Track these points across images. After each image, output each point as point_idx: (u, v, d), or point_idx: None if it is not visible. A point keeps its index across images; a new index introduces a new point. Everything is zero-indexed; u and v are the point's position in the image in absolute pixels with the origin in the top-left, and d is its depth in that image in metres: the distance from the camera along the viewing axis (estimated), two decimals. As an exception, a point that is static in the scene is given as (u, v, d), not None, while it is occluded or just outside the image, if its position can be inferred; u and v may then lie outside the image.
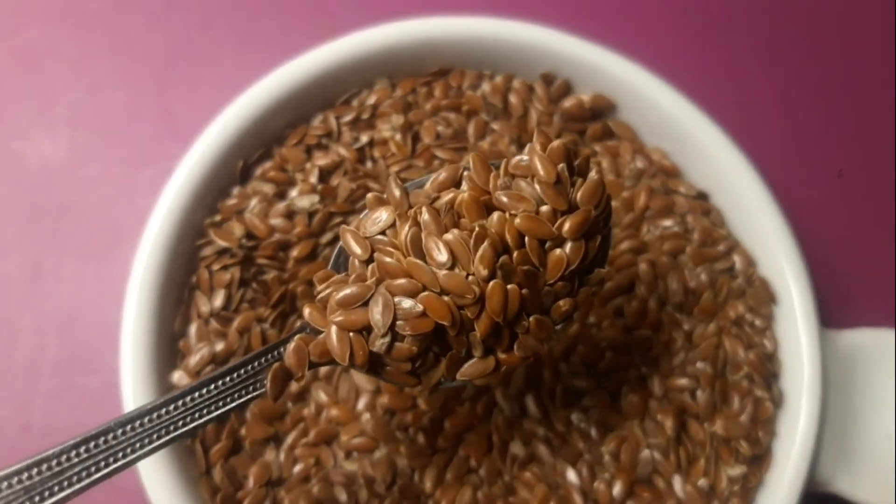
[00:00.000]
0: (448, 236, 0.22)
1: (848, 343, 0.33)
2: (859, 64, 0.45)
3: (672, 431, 0.31)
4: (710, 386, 0.31)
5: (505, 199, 0.23)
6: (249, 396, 0.24)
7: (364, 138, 0.34)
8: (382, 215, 0.23)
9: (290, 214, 0.32)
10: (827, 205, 0.42)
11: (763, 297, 0.33)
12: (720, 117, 0.34)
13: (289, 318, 0.31)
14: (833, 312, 0.38)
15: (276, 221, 0.32)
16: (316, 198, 0.32)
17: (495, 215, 0.23)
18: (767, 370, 0.32)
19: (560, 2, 0.44)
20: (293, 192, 0.32)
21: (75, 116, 0.40)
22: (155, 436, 0.22)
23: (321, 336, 0.23)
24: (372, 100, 0.34)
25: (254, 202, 0.32)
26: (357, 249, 0.23)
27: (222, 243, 0.31)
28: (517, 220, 0.22)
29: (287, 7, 0.43)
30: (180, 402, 0.22)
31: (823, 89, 0.44)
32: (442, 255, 0.22)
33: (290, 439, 0.30)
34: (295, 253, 0.32)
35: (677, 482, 0.31)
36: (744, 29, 0.45)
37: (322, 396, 0.31)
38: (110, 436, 0.21)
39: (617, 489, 0.30)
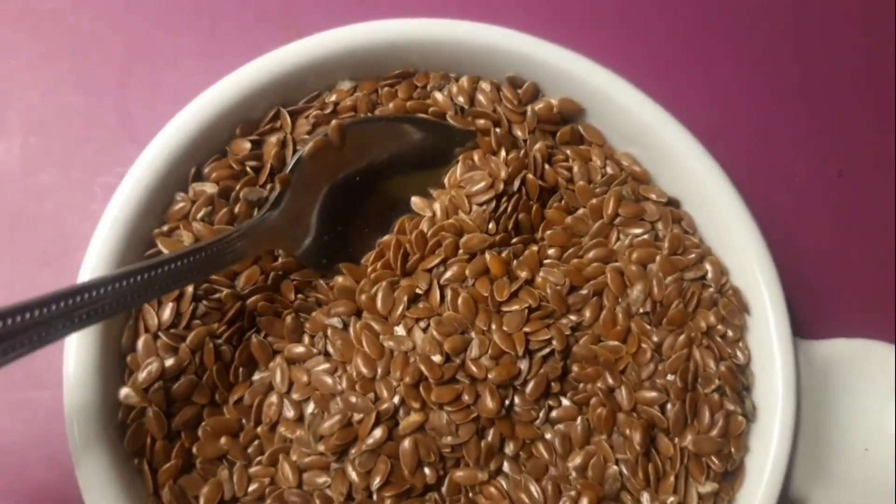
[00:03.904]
0: None
1: (823, 354, 0.32)
2: (843, 66, 0.44)
3: (640, 446, 0.29)
4: (680, 399, 0.30)
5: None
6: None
7: (323, 135, 0.32)
8: None
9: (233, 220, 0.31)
10: (802, 212, 0.42)
11: (735, 308, 0.32)
12: (696, 121, 0.33)
13: (247, 333, 0.30)
14: (808, 323, 0.37)
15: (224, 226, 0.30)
16: (264, 191, 0.31)
17: None
18: (740, 383, 0.31)
19: (530, 6, 0.43)
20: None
21: (29, 121, 0.39)
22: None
23: None
24: (333, 97, 0.33)
25: (198, 204, 0.31)
26: None
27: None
28: None
29: (251, 7, 0.42)
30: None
31: (804, 91, 0.43)
32: None
33: (243, 458, 0.29)
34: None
35: (646, 499, 0.30)
36: (720, 28, 0.44)
37: (275, 411, 0.30)
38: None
39: (583, 507, 0.29)
